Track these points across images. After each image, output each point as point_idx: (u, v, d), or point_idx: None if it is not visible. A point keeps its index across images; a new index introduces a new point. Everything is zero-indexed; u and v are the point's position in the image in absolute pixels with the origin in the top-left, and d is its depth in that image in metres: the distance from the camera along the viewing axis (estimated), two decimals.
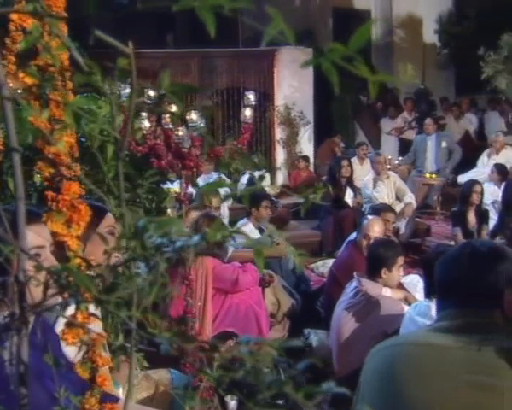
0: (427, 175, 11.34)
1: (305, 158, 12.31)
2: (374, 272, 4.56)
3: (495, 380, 1.67)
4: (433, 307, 3.52)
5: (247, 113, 4.24)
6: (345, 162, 9.28)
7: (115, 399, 1.65)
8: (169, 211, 5.40)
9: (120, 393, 2.60)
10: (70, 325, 1.29)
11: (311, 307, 6.06)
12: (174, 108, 4.49)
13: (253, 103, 4.36)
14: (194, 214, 4.97)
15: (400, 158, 12.36)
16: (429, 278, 3.73)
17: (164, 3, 0.78)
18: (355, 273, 4.67)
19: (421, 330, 1.94)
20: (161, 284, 0.72)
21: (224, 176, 10.57)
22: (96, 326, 1.41)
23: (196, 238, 0.72)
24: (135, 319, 0.82)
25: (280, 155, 12.74)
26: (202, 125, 4.35)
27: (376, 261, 4.57)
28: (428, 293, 3.78)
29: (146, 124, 4.23)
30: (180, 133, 4.24)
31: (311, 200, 1.11)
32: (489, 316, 1.80)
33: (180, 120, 4.49)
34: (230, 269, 4.96)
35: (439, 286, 1.96)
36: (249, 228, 6.90)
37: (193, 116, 4.23)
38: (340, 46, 0.66)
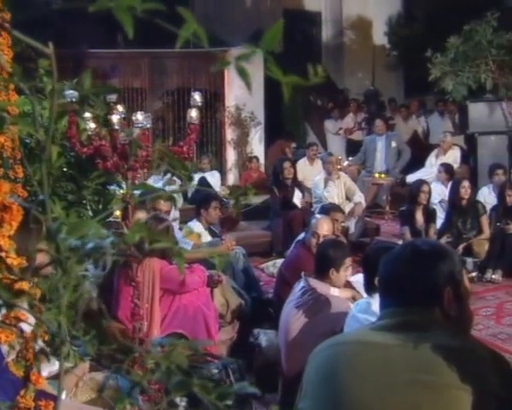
0: (377, 175, 11.47)
1: (256, 159, 12.36)
2: (322, 273, 4.59)
3: (433, 377, 1.68)
4: (373, 303, 3.57)
5: (193, 114, 4.24)
6: (287, 164, 9.32)
7: (51, 397, 1.63)
8: (117, 212, 5.36)
9: (63, 398, 2.57)
10: (2, 324, 1.28)
11: (261, 307, 6.07)
12: (120, 109, 4.48)
13: (200, 104, 4.35)
14: (140, 215, 4.94)
15: (349, 158, 12.48)
16: (369, 274, 3.77)
17: (80, 4, 0.78)
18: (302, 273, 4.69)
19: (362, 329, 1.96)
20: (75, 285, 0.72)
21: (175, 177, 10.51)
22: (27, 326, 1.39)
23: (110, 240, 0.72)
24: (63, 321, 0.81)
25: (231, 156, 12.75)
26: (148, 125, 4.33)
27: (324, 262, 4.60)
28: (368, 289, 3.82)
29: (91, 125, 4.20)
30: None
31: (242, 201, 1.11)
32: (429, 313, 1.82)
33: (126, 120, 4.46)
34: (177, 270, 4.94)
35: (381, 284, 1.99)
36: (198, 229, 6.89)
37: (139, 117, 4.21)
38: (253, 48, 0.66)
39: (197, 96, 4.37)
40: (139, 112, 4.31)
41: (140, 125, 4.23)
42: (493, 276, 7.76)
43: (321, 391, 1.82)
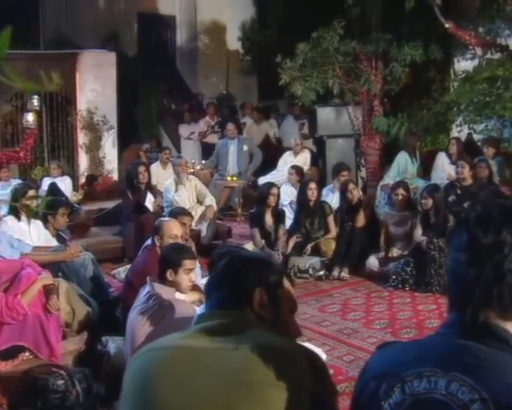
0: (229, 178, 11.65)
1: (110, 163, 12.28)
2: (161, 275, 4.60)
3: (248, 377, 1.70)
4: None
5: (30, 118, 4.14)
6: (141, 168, 9.25)
7: None
8: None
9: None
10: None
11: (110, 314, 5.98)
12: None
13: (37, 108, 4.26)
14: None
15: (203, 162, 12.58)
16: None
17: None
18: (148, 278, 4.67)
19: (179, 333, 1.97)
20: None
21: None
22: None
23: None
24: None
25: (83, 161, 12.48)
26: None
27: (162, 263, 4.62)
28: None
29: None
30: None
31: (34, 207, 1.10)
32: (240, 315, 1.88)
33: None
34: None
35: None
36: (46, 236, 6.72)
37: None
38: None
39: (35, 101, 4.28)
40: None
41: None
42: (342, 274, 8.04)
43: (136, 398, 1.80)
